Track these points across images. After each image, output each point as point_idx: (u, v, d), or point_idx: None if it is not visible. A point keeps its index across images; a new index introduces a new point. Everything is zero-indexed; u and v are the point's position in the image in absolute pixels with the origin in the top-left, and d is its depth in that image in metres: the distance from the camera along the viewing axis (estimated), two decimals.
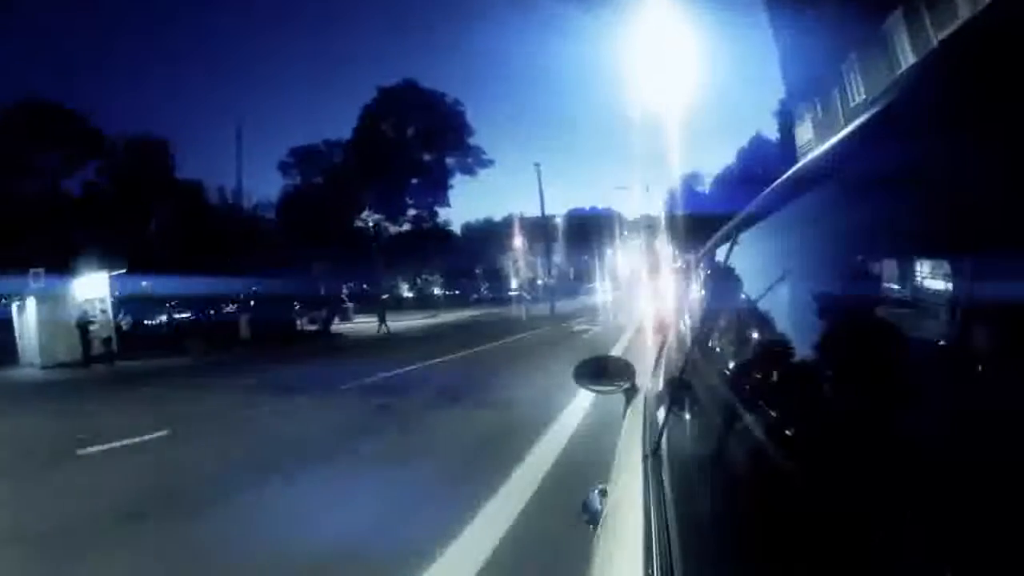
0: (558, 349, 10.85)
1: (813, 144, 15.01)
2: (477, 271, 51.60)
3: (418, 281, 55.31)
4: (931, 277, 0.37)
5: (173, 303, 22.30)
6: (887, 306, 0.43)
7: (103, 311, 15.92)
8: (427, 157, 23.78)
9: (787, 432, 0.53)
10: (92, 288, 16.48)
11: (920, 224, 0.38)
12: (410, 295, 54.24)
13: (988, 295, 0.29)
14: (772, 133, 34.98)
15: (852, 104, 14.23)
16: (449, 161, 24.22)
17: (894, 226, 0.41)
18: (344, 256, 22.37)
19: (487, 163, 25.28)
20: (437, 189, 24.42)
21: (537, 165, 25.14)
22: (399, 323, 26.01)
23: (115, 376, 12.41)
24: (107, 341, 15.31)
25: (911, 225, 0.39)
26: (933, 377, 0.35)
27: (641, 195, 52.98)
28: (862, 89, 13.91)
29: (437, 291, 56.30)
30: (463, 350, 11.96)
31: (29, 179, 20.47)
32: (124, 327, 17.41)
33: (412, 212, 24.84)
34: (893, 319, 0.42)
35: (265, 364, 12.58)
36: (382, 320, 21.21)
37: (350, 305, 38.80)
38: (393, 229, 25.59)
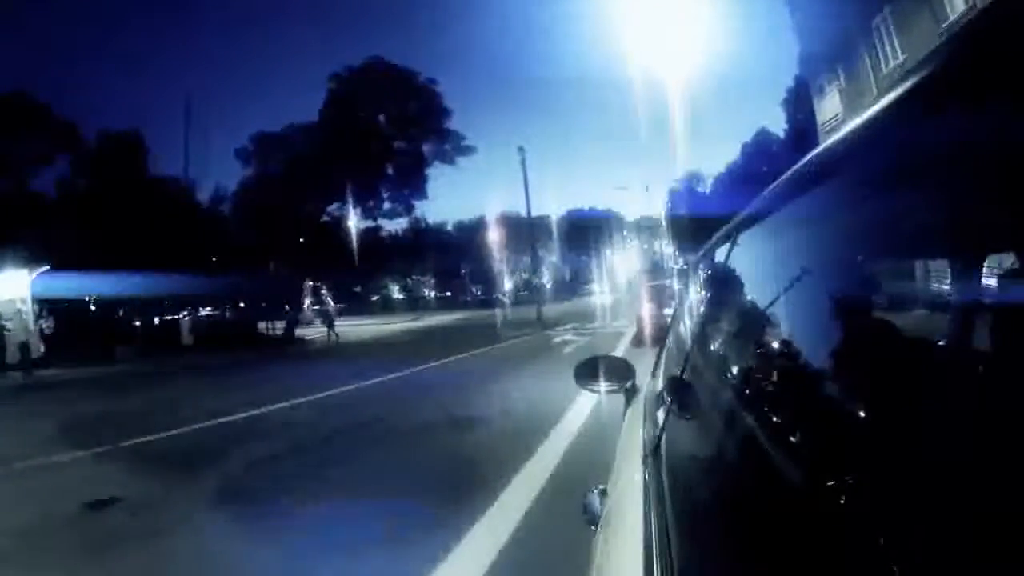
0: (519, 374, 8.36)
1: (842, 118, 12.79)
2: (463, 271, 49.10)
3: (408, 283, 53.15)
4: (949, 279, 0.36)
5: (136, 305, 20.19)
6: (888, 307, 0.44)
7: (19, 312, 13.86)
8: (399, 143, 21.01)
9: (787, 432, 0.53)
10: (11, 288, 14.46)
11: (957, 225, 0.34)
12: (400, 297, 52.09)
13: (1010, 298, 0.29)
14: (779, 127, 32.91)
15: (886, 70, 11.96)
16: (425, 148, 21.50)
17: (926, 227, 0.38)
18: (312, 254, 20.09)
19: (468, 150, 22.47)
20: (412, 179, 21.66)
21: (521, 149, 21.80)
22: (371, 328, 24.34)
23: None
24: (23, 347, 13.32)
25: (941, 226, 0.36)
26: (934, 377, 0.35)
27: (641, 196, 51.86)
28: (898, 50, 11.66)
29: (429, 293, 54.01)
30: (406, 368, 9.71)
31: None
32: (46, 330, 15.30)
33: (387, 205, 22.20)
34: (894, 320, 0.42)
35: (160, 380, 11.07)
36: (330, 327, 20.39)
37: (332, 307, 37.05)
38: (363, 224, 22.87)
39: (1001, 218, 0.28)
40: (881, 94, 0.37)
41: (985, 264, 0.30)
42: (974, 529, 0.26)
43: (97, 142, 20.91)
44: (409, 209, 22.78)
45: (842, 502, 0.37)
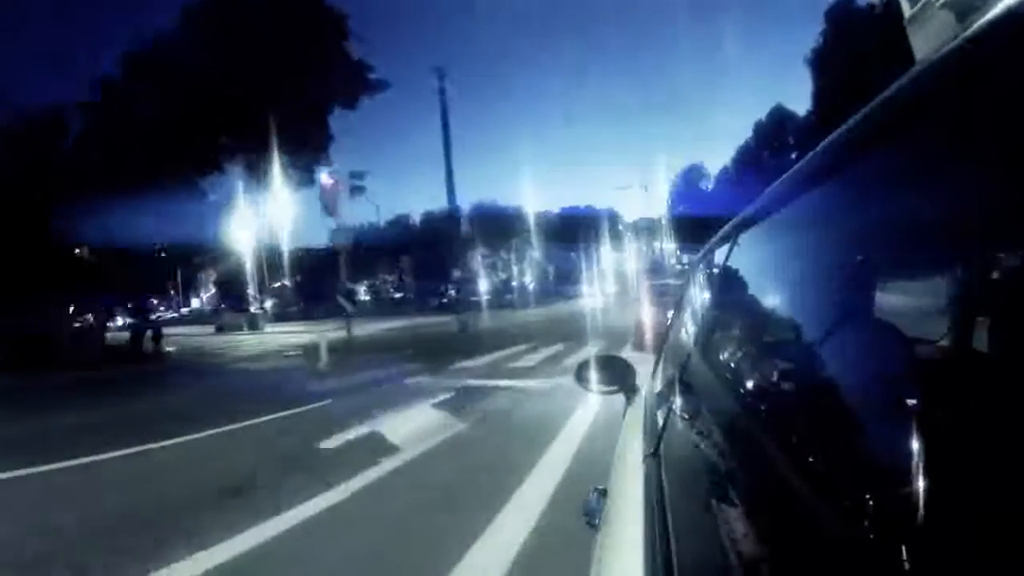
0: None
1: None
2: (401, 270, 43.25)
3: (377, 283, 47.82)
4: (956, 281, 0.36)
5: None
6: (888, 307, 0.45)
7: None
8: (279, 80, 14.16)
9: (787, 432, 0.54)
10: None
11: (957, 225, 0.33)
12: (367, 298, 46.66)
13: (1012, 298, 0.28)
14: (798, 102, 27.68)
15: None
16: (320, 92, 14.91)
17: (926, 227, 0.38)
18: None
19: (376, 86, 14.93)
20: (305, 131, 14.79)
21: (439, 70, 14.05)
22: (269, 336, 19.96)
23: None
24: None
25: (941, 226, 0.35)
26: (934, 376, 0.36)
27: (640, 196, 47.81)
28: None
29: (395, 294, 48.46)
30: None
31: None
32: None
33: (291, 172, 16.08)
34: (894, 320, 0.43)
35: None
36: (156, 339, 16.46)
37: (262, 310, 31.20)
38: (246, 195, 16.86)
39: (1002, 218, 0.27)
40: (882, 90, 0.37)
41: (986, 264, 0.31)
42: (975, 531, 0.26)
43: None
44: (312, 180, 16.67)
45: (841, 502, 0.37)
